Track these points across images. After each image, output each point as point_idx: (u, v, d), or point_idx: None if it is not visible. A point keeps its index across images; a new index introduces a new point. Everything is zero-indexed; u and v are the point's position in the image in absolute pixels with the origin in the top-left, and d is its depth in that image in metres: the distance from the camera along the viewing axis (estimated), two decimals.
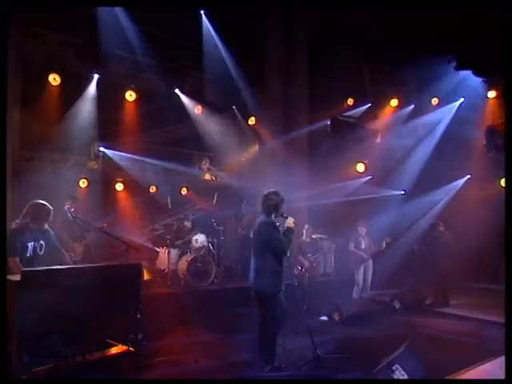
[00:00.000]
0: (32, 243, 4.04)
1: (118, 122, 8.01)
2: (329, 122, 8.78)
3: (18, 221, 4.10)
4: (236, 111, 9.07)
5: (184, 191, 9.72)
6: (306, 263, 7.00)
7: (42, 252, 4.12)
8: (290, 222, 4.20)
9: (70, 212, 5.65)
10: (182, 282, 6.92)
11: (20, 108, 6.93)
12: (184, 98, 8.44)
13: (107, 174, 8.44)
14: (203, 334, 5.33)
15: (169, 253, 7.19)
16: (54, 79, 7.10)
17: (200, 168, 9.52)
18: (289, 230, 4.16)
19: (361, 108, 9.99)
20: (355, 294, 7.14)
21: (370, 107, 9.98)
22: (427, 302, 7.07)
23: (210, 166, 9.40)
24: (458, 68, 8.16)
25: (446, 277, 7.13)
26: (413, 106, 9.70)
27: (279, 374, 4.01)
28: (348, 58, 9.11)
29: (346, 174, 9.32)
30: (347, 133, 8.80)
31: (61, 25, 7.03)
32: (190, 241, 7.47)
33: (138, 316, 4.32)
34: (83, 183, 8.35)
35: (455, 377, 3.95)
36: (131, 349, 4.24)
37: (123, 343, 4.32)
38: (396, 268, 7.76)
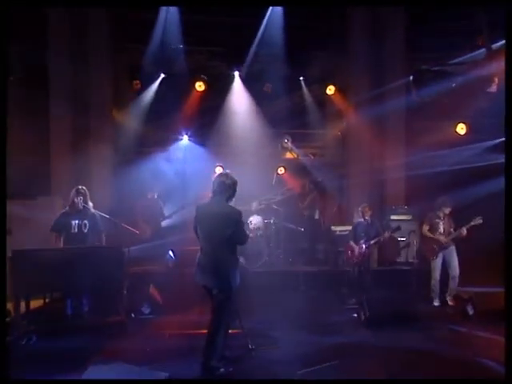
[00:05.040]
0: (76, 221, 5.03)
1: (193, 112, 8.65)
2: (411, 77, 7.12)
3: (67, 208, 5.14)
4: (303, 83, 8.35)
5: (281, 171, 9.82)
6: (356, 249, 6.10)
7: (86, 230, 5.08)
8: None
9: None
10: None
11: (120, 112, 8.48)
12: (238, 81, 8.37)
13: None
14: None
15: None
16: (136, 84, 8.32)
17: (282, 147, 9.37)
18: None
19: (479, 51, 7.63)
20: (434, 291, 5.83)
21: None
22: None
23: (291, 145, 9.10)
24: None
25: None
26: None
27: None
28: None
29: (447, 137, 7.40)
30: (438, 85, 6.93)
31: (134, 35, 8.11)
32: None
33: (125, 292, 4.92)
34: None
35: None
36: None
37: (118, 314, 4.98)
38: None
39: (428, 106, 7.27)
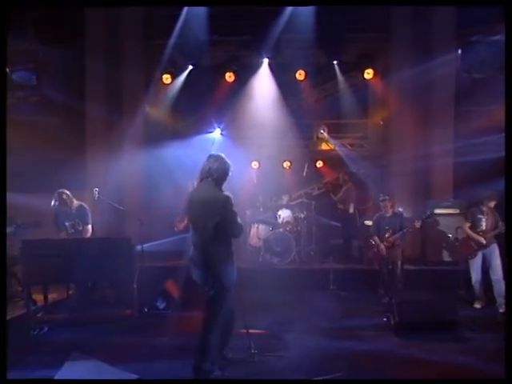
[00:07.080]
0: (68, 222, 5.04)
1: (223, 104, 8.40)
2: (459, 51, 6.26)
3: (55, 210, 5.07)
4: (337, 67, 7.71)
5: (320, 164, 9.33)
6: (382, 245, 5.50)
7: (81, 227, 5.06)
8: None
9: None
10: (260, 259, 6.81)
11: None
12: (267, 70, 7.94)
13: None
14: None
15: (257, 228, 7.18)
16: (167, 79, 8.28)
17: (318, 137, 8.86)
18: None
19: None
20: (475, 292, 5.19)
21: None
22: None
23: (327, 135, 8.55)
24: None
25: None
26: None
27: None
28: None
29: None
30: (492, 58, 6.01)
31: (164, 30, 8.06)
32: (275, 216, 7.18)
33: (135, 286, 4.79)
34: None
35: None
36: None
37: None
38: None
39: (479, 84, 6.35)
